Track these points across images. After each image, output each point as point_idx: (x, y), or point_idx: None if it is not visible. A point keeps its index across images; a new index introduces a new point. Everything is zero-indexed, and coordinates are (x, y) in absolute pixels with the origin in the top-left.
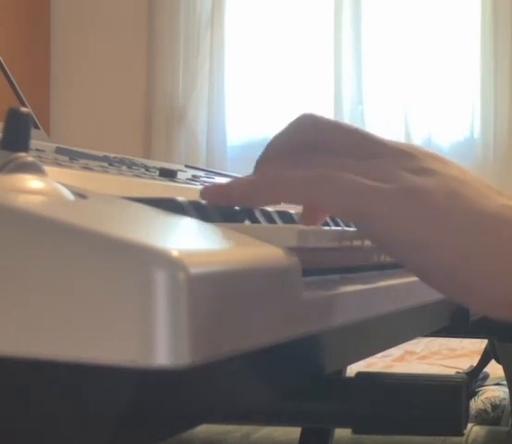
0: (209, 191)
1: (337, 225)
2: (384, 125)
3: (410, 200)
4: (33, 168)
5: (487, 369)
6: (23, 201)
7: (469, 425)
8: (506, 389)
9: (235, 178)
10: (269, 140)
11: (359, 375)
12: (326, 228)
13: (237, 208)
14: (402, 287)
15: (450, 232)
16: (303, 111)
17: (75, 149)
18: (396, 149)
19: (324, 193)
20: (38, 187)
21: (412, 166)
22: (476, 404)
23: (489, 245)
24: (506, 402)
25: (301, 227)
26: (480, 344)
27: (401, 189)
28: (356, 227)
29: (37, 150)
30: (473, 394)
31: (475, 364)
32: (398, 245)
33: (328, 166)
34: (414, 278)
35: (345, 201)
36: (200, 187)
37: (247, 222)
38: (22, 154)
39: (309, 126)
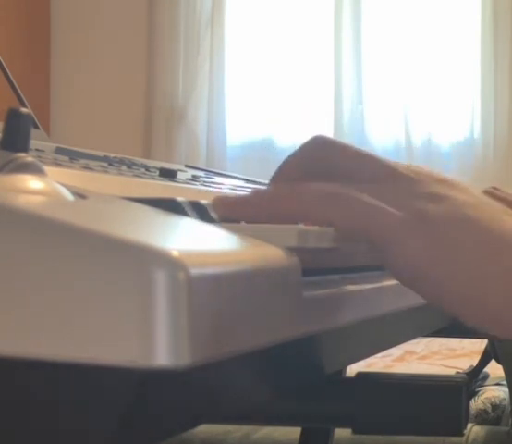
0: (223, 205)
1: None
2: (383, 125)
3: (420, 229)
4: (33, 169)
5: (487, 369)
6: (23, 201)
7: (469, 425)
8: (506, 389)
9: (250, 191)
10: (269, 140)
11: (359, 375)
12: (326, 227)
13: None
14: (402, 287)
15: (461, 261)
16: (315, 133)
17: (75, 149)
18: (405, 175)
19: (338, 213)
20: (38, 187)
21: (421, 193)
22: (476, 404)
23: (502, 272)
24: (506, 402)
25: (301, 227)
26: (480, 344)
27: (410, 217)
28: (368, 247)
29: (37, 150)
30: (473, 394)
31: (475, 364)
32: (408, 274)
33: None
34: None
35: (357, 222)
36: (200, 187)
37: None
38: (22, 155)
39: (319, 148)
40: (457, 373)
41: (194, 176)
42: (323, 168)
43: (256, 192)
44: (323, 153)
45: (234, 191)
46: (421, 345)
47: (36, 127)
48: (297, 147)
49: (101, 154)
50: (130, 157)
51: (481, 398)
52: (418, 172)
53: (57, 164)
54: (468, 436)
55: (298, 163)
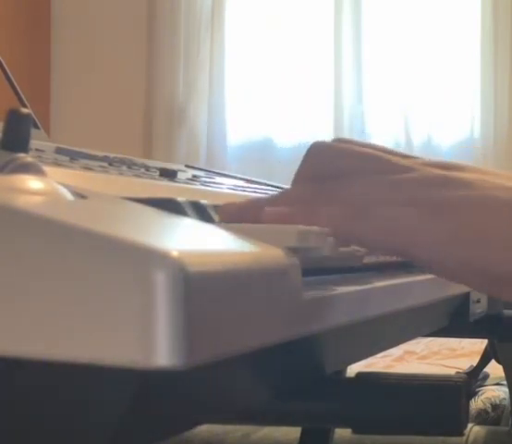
0: (230, 212)
1: None
2: (384, 125)
3: (441, 219)
4: (33, 169)
5: (487, 369)
6: (23, 201)
7: (469, 425)
8: (506, 389)
9: (255, 198)
10: (269, 140)
11: (359, 375)
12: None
13: None
14: (402, 287)
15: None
16: (313, 141)
17: (75, 149)
18: (409, 167)
19: (361, 231)
20: (38, 187)
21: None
22: (476, 404)
23: None
24: (506, 402)
25: (301, 227)
26: (480, 344)
27: (431, 206)
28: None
29: (37, 150)
30: (473, 394)
31: (475, 364)
32: (449, 268)
33: (355, 196)
34: (414, 278)
35: (381, 237)
36: (200, 187)
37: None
38: (22, 155)
39: (321, 154)
40: (457, 373)
41: (194, 176)
42: (329, 172)
43: (271, 206)
44: (326, 158)
45: (234, 191)
46: (421, 345)
47: (36, 127)
48: (300, 153)
49: (101, 154)
50: (130, 157)
51: (481, 398)
52: (422, 163)
53: (57, 164)
54: (468, 436)
55: (306, 172)
